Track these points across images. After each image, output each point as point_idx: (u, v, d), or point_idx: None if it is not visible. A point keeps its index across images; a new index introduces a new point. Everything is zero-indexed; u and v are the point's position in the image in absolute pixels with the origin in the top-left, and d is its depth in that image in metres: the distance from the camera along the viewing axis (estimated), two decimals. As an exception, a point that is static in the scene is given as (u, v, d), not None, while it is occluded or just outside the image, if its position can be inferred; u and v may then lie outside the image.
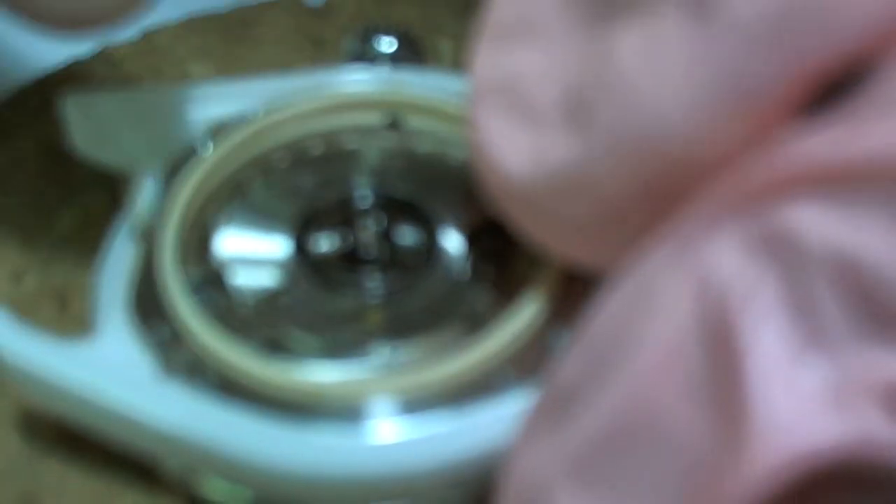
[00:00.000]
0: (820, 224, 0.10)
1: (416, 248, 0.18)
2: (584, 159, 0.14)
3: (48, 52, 0.25)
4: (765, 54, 0.12)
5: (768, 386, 0.10)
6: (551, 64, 0.15)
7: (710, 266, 0.11)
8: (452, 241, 0.18)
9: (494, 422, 0.15)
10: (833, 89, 0.12)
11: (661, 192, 0.13)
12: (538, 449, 0.13)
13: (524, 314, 0.16)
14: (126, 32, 0.26)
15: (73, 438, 0.17)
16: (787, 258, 0.10)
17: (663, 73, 0.13)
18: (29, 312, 0.19)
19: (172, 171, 0.19)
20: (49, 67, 0.25)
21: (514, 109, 0.15)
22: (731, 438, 0.10)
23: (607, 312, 0.12)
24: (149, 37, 0.26)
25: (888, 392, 0.10)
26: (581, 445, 0.12)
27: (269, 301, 0.17)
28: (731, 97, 0.12)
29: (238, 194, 0.19)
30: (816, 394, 0.10)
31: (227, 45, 0.26)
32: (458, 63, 0.25)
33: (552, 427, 0.12)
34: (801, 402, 0.10)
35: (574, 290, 0.17)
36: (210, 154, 0.19)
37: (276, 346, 0.16)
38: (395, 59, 0.22)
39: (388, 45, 0.22)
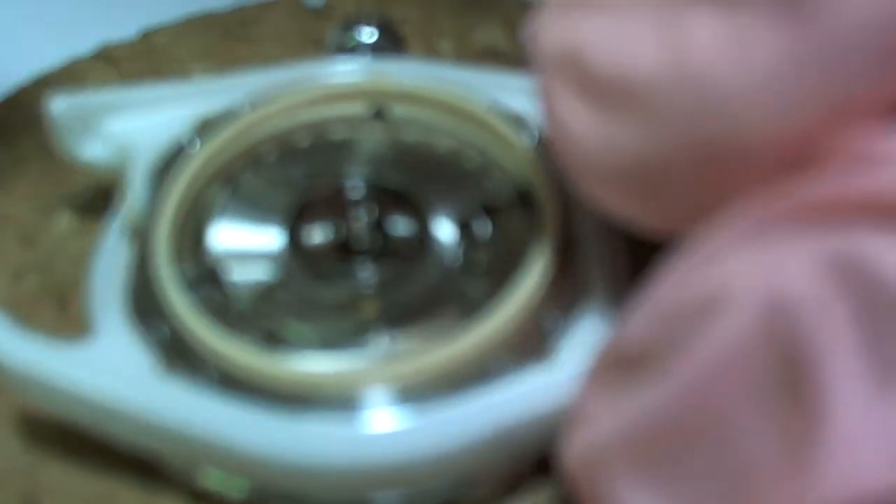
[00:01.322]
0: None
1: (409, 237, 0.18)
2: (655, 143, 0.13)
3: (48, 52, 0.25)
4: (862, 62, 0.12)
5: (846, 421, 0.10)
6: (621, 39, 0.14)
7: (781, 274, 0.10)
8: (444, 229, 0.18)
9: (492, 407, 0.15)
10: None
11: (738, 181, 0.13)
12: (600, 415, 0.12)
13: (518, 298, 0.16)
14: (125, 32, 0.26)
15: (73, 439, 0.17)
16: (862, 290, 0.10)
17: (748, 68, 0.12)
18: (29, 312, 0.19)
19: (161, 168, 0.19)
20: (49, 67, 0.25)
21: (583, 82, 0.14)
22: (801, 463, 0.10)
23: (677, 281, 0.12)
24: (148, 37, 0.26)
25: None
26: (641, 425, 0.12)
27: (264, 294, 0.17)
28: (820, 101, 0.12)
29: (228, 188, 0.19)
30: (893, 439, 0.10)
31: (226, 44, 0.26)
32: (457, 62, 0.25)
33: (614, 393, 0.12)
34: (878, 445, 0.10)
35: (568, 274, 0.17)
36: (199, 150, 0.19)
37: (272, 339, 0.16)
38: (375, 48, 0.22)
39: (368, 35, 0.22)
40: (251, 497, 0.16)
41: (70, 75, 0.25)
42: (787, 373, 0.10)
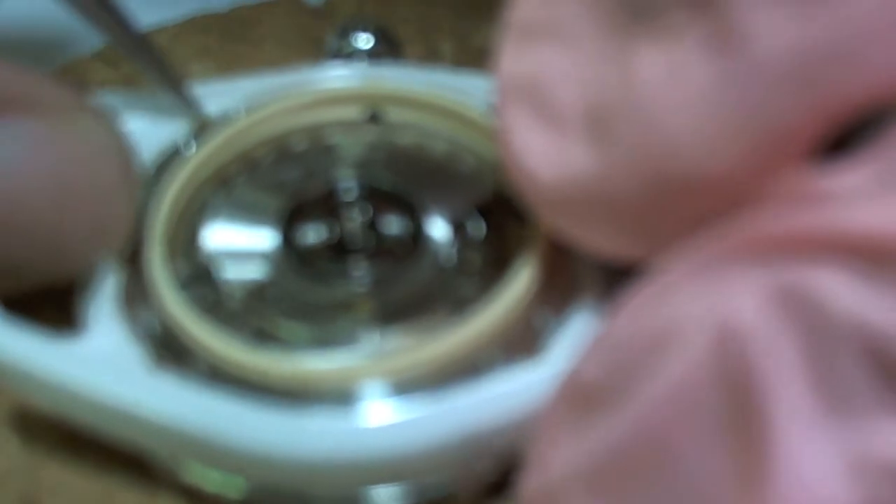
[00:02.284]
0: (847, 296, 0.10)
1: (402, 237, 0.18)
2: (603, 171, 0.14)
3: (48, 52, 0.25)
4: (787, 92, 0.12)
5: (793, 449, 0.10)
6: (575, 69, 0.14)
7: (732, 307, 0.11)
8: (437, 229, 0.18)
9: (482, 403, 0.15)
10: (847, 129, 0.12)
11: (679, 211, 0.13)
12: (558, 449, 0.13)
13: (508, 297, 0.16)
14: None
15: (72, 440, 0.17)
16: (809, 321, 0.10)
17: (682, 100, 0.13)
18: (30, 312, 0.19)
19: (158, 170, 0.19)
20: (49, 68, 0.25)
21: (539, 111, 0.15)
22: (752, 492, 0.10)
23: (630, 317, 0.12)
24: (149, 37, 0.26)
25: None
26: (597, 459, 0.12)
27: (257, 293, 0.17)
28: (750, 132, 0.12)
29: (224, 189, 0.19)
30: (838, 465, 0.10)
31: (227, 44, 0.26)
32: (459, 63, 0.25)
33: (573, 425, 0.13)
34: (824, 470, 0.10)
35: (559, 273, 0.17)
36: (195, 152, 0.19)
37: (264, 336, 0.17)
38: (372, 54, 0.22)
39: (365, 41, 0.22)
40: (248, 497, 0.16)
41: (70, 75, 0.25)
42: (736, 406, 0.10)
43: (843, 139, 0.12)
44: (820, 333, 0.10)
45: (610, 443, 0.12)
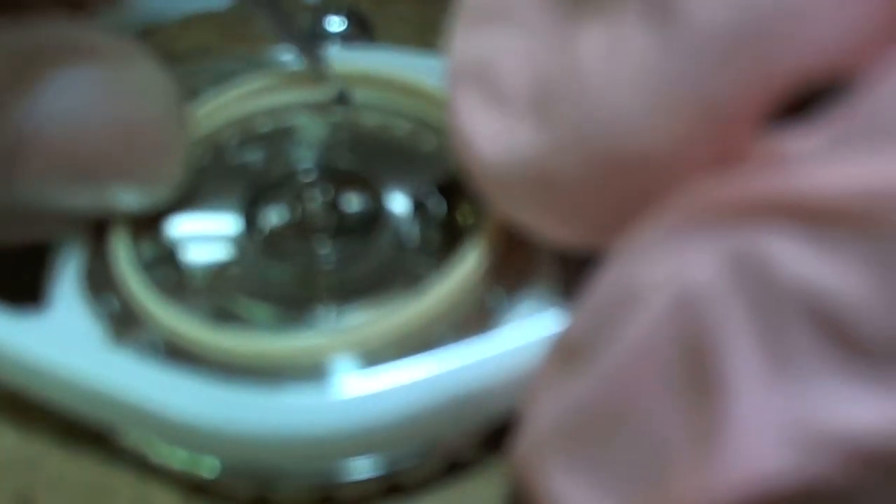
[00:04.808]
0: (795, 259, 0.10)
1: (364, 217, 0.19)
2: (547, 150, 0.14)
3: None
4: (723, 65, 0.12)
5: (744, 409, 0.10)
6: (523, 52, 0.15)
7: (688, 272, 0.11)
8: (399, 209, 0.19)
9: (433, 378, 0.15)
10: (809, 96, 0.12)
11: (624, 188, 0.14)
12: (545, 402, 0.13)
13: (459, 275, 0.16)
14: (123, 30, 0.26)
15: (69, 434, 0.17)
16: (759, 285, 0.10)
17: (622, 75, 0.13)
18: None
19: None
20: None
21: (488, 94, 0.15)
22: (708, 450, 0.10)
23: (606, 278, 0.12)
24: (147, 35, 0.26)
25: (848, 441, 0.10)
26: (568, 414, 0.12)
27: (220, 273, 0.18)
28: (687, 104, 0.12)
29: (190, 173, 0.19)
30: (784, 436, 0.10)
31: (226, 42, 0.26)
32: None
33: (557, 383, 0.13)
34: (770, 442, 0.10)
35: (514, 253, 0.17)
36: None
37: (228, 317, 0.17)
38: (344, 38, 0.22)
39: (337, 24, 0.22)
40: (221, 476, 0.16)
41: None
42: (692, 366, 0.11)
43: (807, 108, 0.12)
44: (769, 297, 0.10)
45: (578, 398, 0.12)
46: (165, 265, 0.18)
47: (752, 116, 0.12)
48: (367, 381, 0.15)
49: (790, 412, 0.10)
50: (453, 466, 0.17)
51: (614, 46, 0.13)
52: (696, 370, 0.11)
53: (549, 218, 0.15)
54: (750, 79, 0.12)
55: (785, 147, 0.11)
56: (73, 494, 0.17)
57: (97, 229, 0.18)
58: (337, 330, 0.16)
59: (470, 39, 0.15)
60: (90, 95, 0.16)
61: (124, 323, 0.16)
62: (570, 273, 0.17)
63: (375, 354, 0.16)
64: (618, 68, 0.13)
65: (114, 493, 0.17)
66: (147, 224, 0.18)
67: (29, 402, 0.17)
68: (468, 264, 0.17)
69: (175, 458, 0.16)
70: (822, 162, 0.10)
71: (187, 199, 0.19)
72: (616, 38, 0.13)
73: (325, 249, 0.18)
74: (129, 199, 0.17)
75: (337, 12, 0.22)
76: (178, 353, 0.16)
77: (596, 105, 0.13)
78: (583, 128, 0.13)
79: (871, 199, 0.10)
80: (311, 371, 0.15)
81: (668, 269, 0.11)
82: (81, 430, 0.17)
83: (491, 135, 0.15)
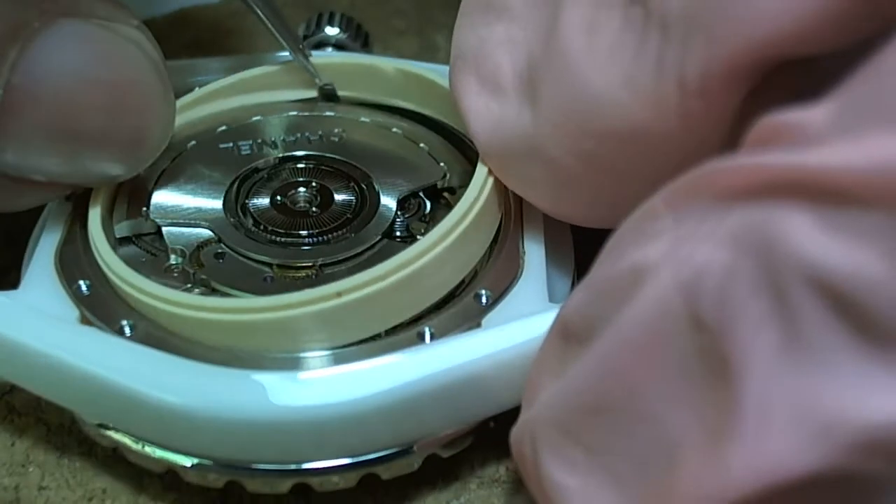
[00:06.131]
0: (807, 237, 0.10)
1: (349, 207, 0.18)
2: (533, 128, 0.15)
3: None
4: (685, 39, 0.12)
5: (759, 396, 0.10)
6: (515, 37, 0.16)
7: (696, 250, 0.11)
8: (385, 201, 0.18)
9: (421, 366, 0.15)
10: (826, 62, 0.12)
11: (613, 162, 0.14)
12: (543, 384, 0.13)
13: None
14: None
15: (57, 446, 0.17)
16: (769, 264, 0.10)
17: (599, 51, 0.13)
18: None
19: None
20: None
21: (481, 78, 0.16)
22: (718, 447, 0.10)
23: (607, 257, 0.12)
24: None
25: (864, 431, 0.09)
26: (569, 394, 0.12)
27: (199, 252, 0.17)
28: (657, 78, 0.13)
29: (178, 158, 0.19)
30: (800, 414, 0.10)
31: (218, 37, 0.26)
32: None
33: (555, 365, 0.13)
34: (786, 420, 0.10)
35: (504, 250, 0.17)
36: None
37: (205, 293, 0.17)
38: (340, 45, 0.22)
39: (334, 33, 0.22)
40: (194, 466, 0.15)
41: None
42: (701, 343, 0.10)
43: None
44: (781, 278, 0.10)
45: (576, 381, 0.12)
46: (145, 243, 0.18)
47: (722, 90, 0.12)
48: (340, 366, 0.15)
49: (805, 399, 0.10)
50: (431, 459, 0.16)
51: (592, 25, 0.14)
52: (705, 352, 0.10)
53: (547, 193, 0.16)
54: (707, 53, 0.12)
55: (792, 120, 0.11)
56: (67, 500, 0.16)
57: (75, 212, 0.18)
58: (323, 313, 0.15)
59: (470, 27, 0.17)
60: (81, 55, 0.16)
61: (95, 303, 0.16)
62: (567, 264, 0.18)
63: (345, 318, 0.15)
64: (595, 45, 0.14)
65: (107, 499, 0.16)
66: (129, 203, 0.18)
67: (19, 406, 0.17)
68: (448, 230, 0.16)
69: (148, 447, 0.16)
70: (832, 139, 0.10)
71: (170, 180, 0.19)
72: (594, 16, 0.14)
73: (307, 237, 0.18)
74: (111, 165, 0.17)
75: (331, 21, 0.23)
76: (146, 334, 0.15)
77: (575, 80, 0.14)
78: (564, 103, 0.14)
79: (883, 177, 0.09)
80: (277, 357, 0.15)
81: (676, 249, 0.11)
82: (72, 435, 0.17)
83: (484, 114, 0.16)
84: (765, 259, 0.10)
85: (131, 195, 0.18)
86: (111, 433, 0.16)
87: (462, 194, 0.18)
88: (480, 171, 0.17)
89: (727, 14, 0.12)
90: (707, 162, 0.11)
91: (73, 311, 0.16)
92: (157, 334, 0.16)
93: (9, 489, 0.16)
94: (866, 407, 0.09)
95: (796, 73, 0.13)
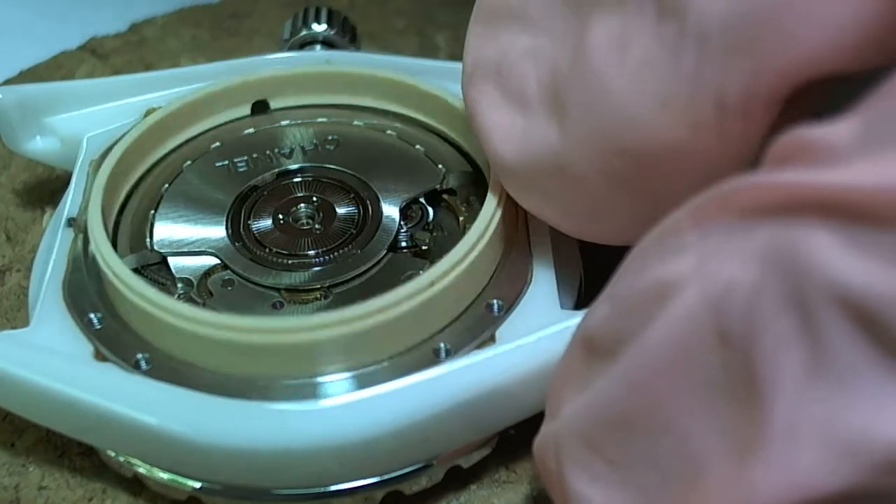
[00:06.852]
0: (833, 256, 0.10)
1: (353, 220, 0.18)
2: (560, 145, 0.14)
3: (36, 44, 0.25)
4: (722, 57, 0.12)
5: (786, 415, 0.10)
6: (536, 49, 0.15)
7: (724, 267, 0.10)
8: (389, 212, 0.18)
9: (435, 383, 0.15)
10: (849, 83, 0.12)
11: (642, 181, 0.14)
12: (567, 397, 0.13)
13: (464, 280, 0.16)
14: (114, 24, 0.25)
15: (57, 445, 0.17)
16: (795, 283, 0.10)
17: (631, 69, 0.13)
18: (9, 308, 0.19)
19: (100, 161, 0.18)
20: (37, 60, 0.25)
21: (504, 91, 0.15)
22: (744, 451, 0.10)
23: (631, 270, 0.12)
24: (137, 28, 0.25)
25: (891, 450, 0.09)
26: (595, 408, 0.12)
27: (206, 280, 0.17)
28: (693, 97, 0.12)
29: (175, 179, 0.19)
30: (827, 433, 0.10)
31: (216, 37, 0.26)
32: (454, 55, 0.24)
33: (579, 377, 0.13)
34: (813, 439, 0.10)
35: (514, 260, 0.17)
36: (129, 137, 0.19)
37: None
38: (328, 43, 0.22)
39: (322, 30, 0.22)
40: (205, 491, 0.15)
41: (58, 68, 0.25)
42: (729, 362, 0.10)
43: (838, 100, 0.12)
44: (808, 297, 0.10)
45: (603, 395, 0.12)
46: (153, 273, 0.17)
47: (763, 109, 0.12)
48: (357, 391, 0.15)
49: (831, 418, 0.10)
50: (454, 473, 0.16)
51: (622, 40, 0.13)
52: (731, 368, 0.10)
53: (570, 213, 0.15)
54: (751, 71, 0.12)
55: (815, 137, 0.11)
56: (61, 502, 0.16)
57: (77, 234, 0.17)
58: (336, 338, 0.15)
59: (485, 38, 0.16)
60: None
61: (108, 338, 0.16)
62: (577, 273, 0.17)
63: (364, 342, 0.15)
64: (626, 61, 0.13)
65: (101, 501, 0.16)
66: (134, 233, 0.18)
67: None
68: (462, 255, 0.16)
69: (158, 472, 0.16)
70: (856, 157, 0.10)
71: (171, 207, 0.18)
72: (621, 30, 0.13)
73: (313, 255, 0.18)
74: None
75: (317, 18, 0.22)
76: (160, 368, 0.15)
77: (606, 98, 0.13)
78: (594, 120, 0.13)
79: None
80: (293, 384, 0.15)
81: (703, 265, 0.11)
82: (71, 441, 0.16)
83: (508, 131, 0.15)
84: (791, 277, 0.10)
85: (133, 221, 0.18)
86: (133, 465, 0.16)
87: (462, 195, 0.18)
88: (494, 187, 0.17)
89: (778, 29, 0.11)
90: (732, 178, 0.11)
91: (87, 347, 0.16)
92: (172, 366, 0.15)
93: (9, 489, 0.16)
94: (893, 426, 0.09)
95: (818, 89, 0.12)
